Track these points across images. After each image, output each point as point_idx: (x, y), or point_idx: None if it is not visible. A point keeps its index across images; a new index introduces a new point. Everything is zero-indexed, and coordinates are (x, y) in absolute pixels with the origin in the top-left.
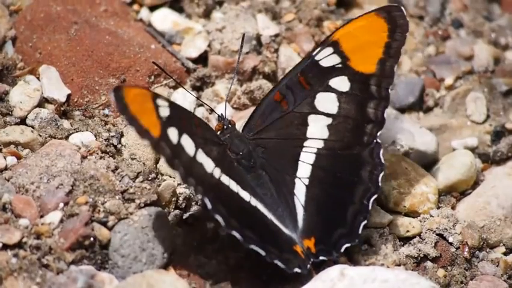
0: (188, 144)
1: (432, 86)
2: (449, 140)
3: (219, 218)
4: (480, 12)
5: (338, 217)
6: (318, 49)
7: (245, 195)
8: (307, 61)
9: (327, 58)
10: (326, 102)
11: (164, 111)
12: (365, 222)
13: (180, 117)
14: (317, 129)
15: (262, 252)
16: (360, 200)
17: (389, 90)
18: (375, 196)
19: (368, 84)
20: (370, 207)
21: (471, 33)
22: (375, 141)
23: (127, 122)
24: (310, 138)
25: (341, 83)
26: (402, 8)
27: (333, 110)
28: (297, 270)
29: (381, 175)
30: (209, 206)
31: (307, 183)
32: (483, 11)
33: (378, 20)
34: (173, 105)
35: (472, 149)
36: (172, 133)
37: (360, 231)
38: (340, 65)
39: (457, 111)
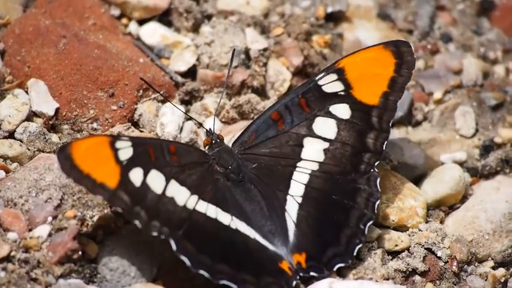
0: (156, 180)
1: (421, 100)
2: (438, 154)
3: (185, 259)
4: (469, 27)
5: (331, 237)
6: (322, 74)
7: (224, 218)
8: (309, 84)
9: (331, 84)
10: (324, 127)
11: (126, 153)
12: (361, 245)
13: (147, 153)
14: (313, 151)
15: (235, 286)
16: (356, 224)
17: (390, 123)
18: (371, 222)
19: (369, 115)
20: (366, 232)
21: (460, 47)
22: (372, 170)
23: (76, 183)
24: (305, 160)
25: (342, 110)
26: (411, 44)
27: (331, 135)
28: None
29: (377, 203)
30: (174, 247)
31: (300, 201)
32: (472, 25)
33: (385, 54)
34: (138, 142)
35: (461, 163)
36: (136, 175)
37: (354, 254)
38: (343, 93)
39: (446, 126)
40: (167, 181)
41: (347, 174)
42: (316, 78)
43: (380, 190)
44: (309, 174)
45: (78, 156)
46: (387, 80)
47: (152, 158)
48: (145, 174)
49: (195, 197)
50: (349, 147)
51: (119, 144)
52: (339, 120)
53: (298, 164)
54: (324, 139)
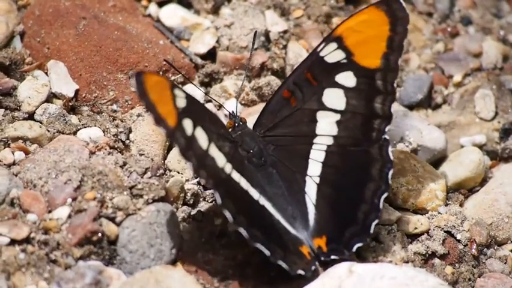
0: (201, 137)
1: (440, 83)
2: (458, 137)
3: (227, 213)
4: (489, 9)
5: (349, 216)
6: (323, 45)
7: (254, 193)
8: (312, 57)
9: (332, 54)
10: (334, 98)
11: (181, 102)
12: (377, 221)
13: (195, 110)
14: (326, 125)
15: (267, 252)
16: (371, 199)
17: (395, 84)
18: (385, 194)
19: (373, 79)
20: (381, 206)
21: (480, 30)
22: (383, 137)
23: (146, 108)
24: (320, 135)
25: (347, 78)
26: (401, 0)
27: (341, 106)
28: (300, 272)
29: (390, 172)
30: (219, 200)
31: (318, 181)
32: (492, 8)
33: (378, 14)
34: (189, 97)
35: (480, 146)
36: (187, 124)
37: (371, 231)
38: (345, 61)
39: (465, 108)
40: (209, 142)
41: (359, 145)
42: (318, 50)
43: (392, 159)
44: (325, 150)
45: (148, 87)
46: (385, 40)
47: (198, 116)
48: (194, 128)
49: (230, 166)
50: (359, 116)
51: (176, 91)
52: (346, 90)
53: (314, 141)
54: (335, 111)
